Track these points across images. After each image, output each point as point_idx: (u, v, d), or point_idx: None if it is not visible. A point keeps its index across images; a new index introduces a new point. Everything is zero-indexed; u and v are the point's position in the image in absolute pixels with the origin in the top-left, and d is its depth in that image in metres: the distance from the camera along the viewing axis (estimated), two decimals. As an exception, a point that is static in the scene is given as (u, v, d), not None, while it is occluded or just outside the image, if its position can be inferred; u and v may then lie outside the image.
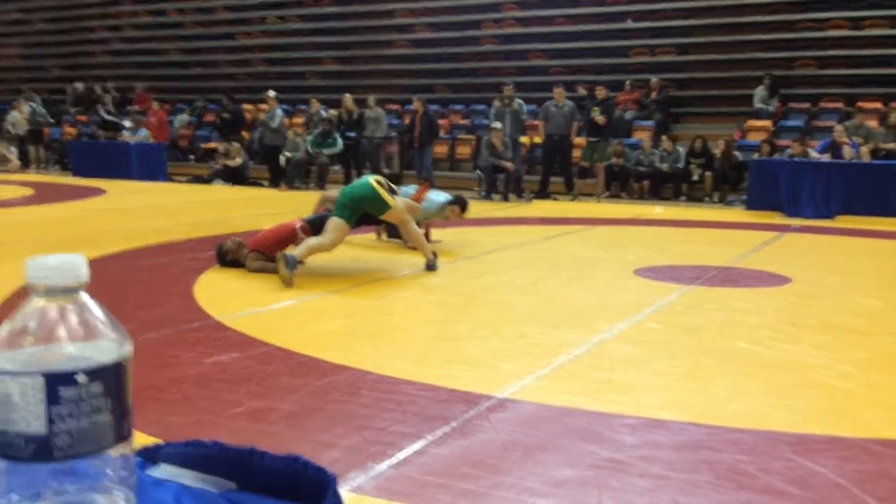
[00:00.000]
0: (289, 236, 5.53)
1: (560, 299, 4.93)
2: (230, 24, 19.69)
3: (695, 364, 3.60)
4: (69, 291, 0.52)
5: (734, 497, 2.28)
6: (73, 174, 15.55)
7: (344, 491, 2.23)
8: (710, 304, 4.90)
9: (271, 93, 14.84)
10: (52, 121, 18.59)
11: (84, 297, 0.53)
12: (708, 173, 12.48)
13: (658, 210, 11.05)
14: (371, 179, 5.60)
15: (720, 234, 8.54)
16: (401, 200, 5.71)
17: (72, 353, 0.50)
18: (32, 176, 15.51)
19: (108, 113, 16.33)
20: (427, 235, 6.89)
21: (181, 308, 4.45)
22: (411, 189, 6.86)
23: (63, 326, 0.51)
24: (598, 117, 11.98)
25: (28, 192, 12.15)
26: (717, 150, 12.45)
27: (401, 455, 2.49)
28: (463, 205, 6.77)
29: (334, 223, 5.37)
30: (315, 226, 5.58)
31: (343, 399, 3.02)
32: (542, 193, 12.25)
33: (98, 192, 12.29)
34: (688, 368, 3.53)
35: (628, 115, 14.33)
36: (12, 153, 17.01)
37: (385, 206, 5.48)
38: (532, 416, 2.87)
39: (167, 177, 15.18)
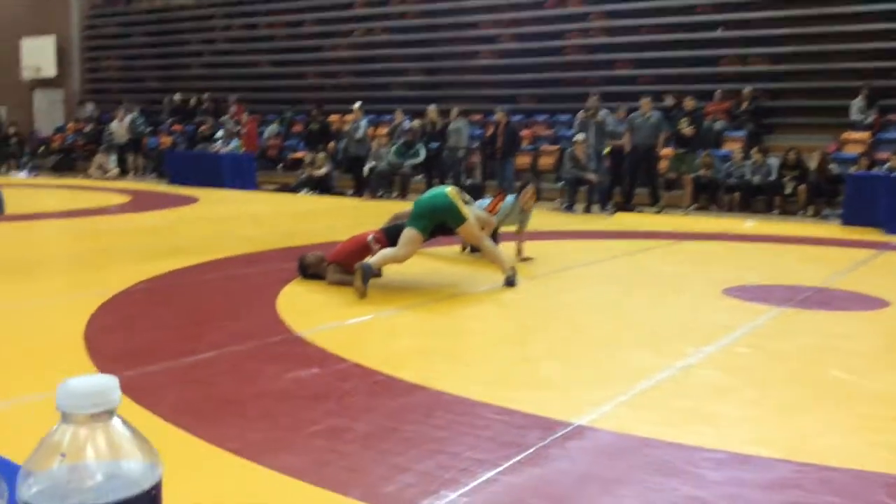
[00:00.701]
0: (363, 248, 5.56)
1: (642, 320, 4.81)
2: (318, 37, 20.08)
3: (785, 394, 3.45)
4: (100, 417, 0.50)
5: (825, 543, 2.16)
6: (168, 182, 16.11)
7: (416, 519, 2.21)
8: (802, 328, 4.70)
9: (357, 104, 15.07)
10: (150, 130, 19.33)
11: (116, 422, 0.51)
12: (801, 186, 12.04)
13: (748, 224, 10.71)
14: (447, 189, 5.59)
15: (813, 251, 8.22)
16: (474, 214, 5.67)
17: (100, 484, 0.49)
18: (130, 184, 16.13)
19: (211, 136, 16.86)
20: (521, 251, 6.85)
21: (264, 320, 4.52)
22: (486, 201, 6.84)
23: (92, 453, 0.49)
24: (686, 128, 11.71)
25: (125, 199, 12.64)
26: (812, 162, 12.01)
27: (473, 483, 2.45)
28: (534, 184, 6.96)
29: (408, 235, 5.39)
30: (391, 235, 5.60)
31: (418, 420, 3.00)
32: (626, 206, 12.05)
33: (191, 200, 12.69)
34: (777, 399, 3.38)
35: (718, 125, 13.96)
36: (111, 162, 17.75)
37: (461, 217, 5.46)
38: (610, 446, 2.79)
39: (256, 185, 15.57)
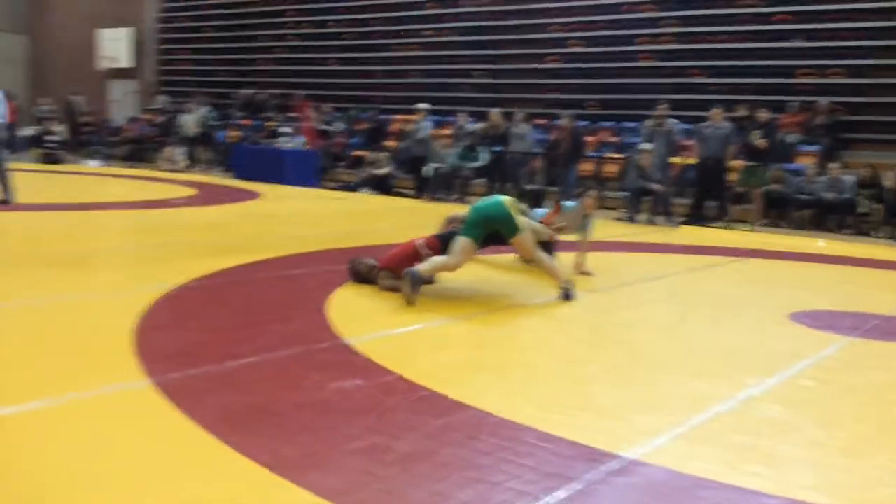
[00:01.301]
0: (414, 254, 5.48)
1: (703, 344, 4.62)
2: (387, 35, 20.11)
3: (851, 434, 3.24)
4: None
5: None
6: (233, 176, 16.32)
7: (450, 555, 2.10)
8: (872, 360, 4.45)
9: (422, 105, 15.02)
10: (219, 124, 19.63)
11: None
12: (878, 206, 11.55)
13: (820, 244, 10.31)
14: (504, 199, 5.48)
15: (888, 276, 7.85)
16: (529, 225, 5.54)
17: None
18: (197, 176, 16.39)
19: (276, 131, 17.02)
20: (581, 263, 6.67)
21: (312, 325, 4.47)
22: (544, 211, 6.69)
23: None
24: (759, 141, 11.34)
25: (190, 192, 12.82)
26: (889, 181, 11.51)
27: (514, 518, 2.34)
28: (596, 190, 6.87)
29: (461, 242, 5.29)
30: (444, 241, 5.50)
31: (461, 442, 2.89)
32: (693, 219, 11.73)
33: (254, 195, 12.81)
34: (843, 439, 3.17)
35: (791, 138, 13.49)
36: (180, 154, 18.07)
37: (515, 227, 5.34)
38: (661, 486, 2.64)
39: (318, 182, 15.66)
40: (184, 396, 3.14)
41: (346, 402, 3.25)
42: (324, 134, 16.82)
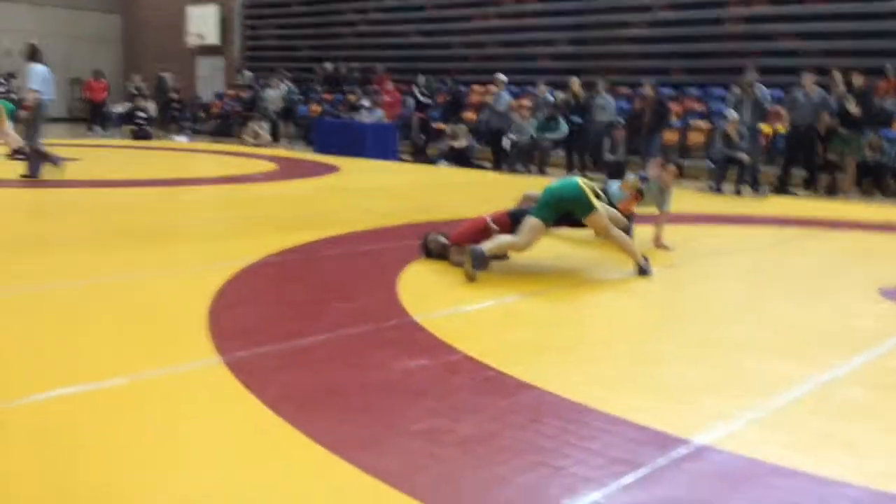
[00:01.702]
0: (484, 229, 5.41)
1: (785, 321, 4.43)
2: (468, 6, 19.90)
3: (943, 422, 3.05)
4: None
5: None
6: (314, 150, 16.54)
7: (505, 543, 2.06)
8: (972, 341, 4.18)
9: (500, 76, 14.85)
10: (302, 98, 19.88)
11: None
12: (984, 173, 10.88)
13: (918, 214, 9.77)
14: (579, 180, 5.37)
15: None
16: (604, 207, 5.42)
17: None
18: (280, 151, 16.67)
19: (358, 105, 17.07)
20: (659, 236, 6.51)
21: (382, 302, 4.48)
22: (618, 183, 6.51)
23: None
24: (853, 108, 10.78)
25: (272, 167, 13.05)
26: None
27: (574, 505, 2.28)
28: (677, 163, 6.66)
29: (531, 223, 5.19)
30: (515, 219, 5.42)
31: (524, 425, 2.84)
32: (782, 188, 11.28)
33: (333, 169, 12.95)
34: (933, 427, 2.99)
35: (888, 104, 12.80)
36: (264, 129, 18.39)
37: (590, 207, 5.23)
38: (734, 473, 2.54)
39: (398, 156, 15.71)
40: (251, 375, 3.19)
41: (410, 382, 3.23)
42: (422, 107, 16.67)
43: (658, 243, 6.48)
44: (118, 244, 5.98)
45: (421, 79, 17.02)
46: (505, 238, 5.23)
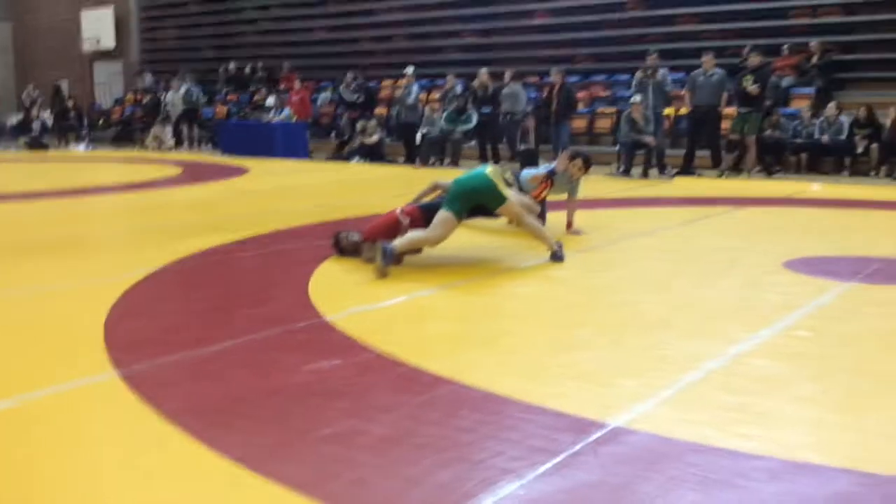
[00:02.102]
0: (395, 223, 5.32)
1: (695, 299, 4.48)
2: (372, 0, 19.72)
3: (850, 388, 3.11)
4: None
5: (892, 580, 1.86)
6: (221, 153, 16.12)
7: (421, 546, 1.98)
8: (872, 307, 4.31)
9: (409, 69, 14.77)
10: (205, 100, 19.34)
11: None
12: (874, 145, 11.35)
13: (815, 187, 10.14)
14: (487, 170, 5.33)
15: (886, 216, 7.69)
16: (516, 195, 5.40)
17: None
18: (184, 155, 16.19)
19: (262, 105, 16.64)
20: (570, 223, 6.54)
21: (292, 304, 4.34)
22: (532, 172, 6.51)
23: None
24: (751, 87, 11.10)
25: (176, 171, 12.65)
26: (887, 118, 11.29)
27: (492, 499, 2.22)
28: (585, 158, 6.49)
29: (442, 217, 5.12)
30: (428, 212, 5.34)
31: (440, 421, 2.77)
32: (687, 170, 11.54)
33: (241, 171, 12.64)
34: (840, 394, 3.05)
35: (785, 81, 13.24)
36: (167, 134, 17.85)
37: (501, 198, 5.20)
38: (649, 453, 2.52)
39: (308, 155, 15.46)
40: (150, 388, 3.02)
41: (322, 384, 3.12)
42: (350, 106, 16.23)
43: (570, 229, 6.51)
44: (12, 258, 5.67)
45: (349, 76, 16.64)
46: (417, 233, 5.15)
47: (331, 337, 3.74)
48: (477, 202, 5.25)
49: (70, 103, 20.22)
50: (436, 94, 15.47)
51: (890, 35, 13.03)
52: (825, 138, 11.69)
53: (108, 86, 24.68)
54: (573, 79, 14.72)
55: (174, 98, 18.48)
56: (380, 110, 16.74)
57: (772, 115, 11.87)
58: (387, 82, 17.61)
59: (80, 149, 18.48)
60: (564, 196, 6.65)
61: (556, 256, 5.40)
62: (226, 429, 2.69)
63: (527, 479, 2.34)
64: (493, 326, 4.04)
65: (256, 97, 18.07)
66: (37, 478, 2.37)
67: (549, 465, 2.44)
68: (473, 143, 14.03)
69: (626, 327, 3.94)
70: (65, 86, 21.80)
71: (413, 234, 5.12)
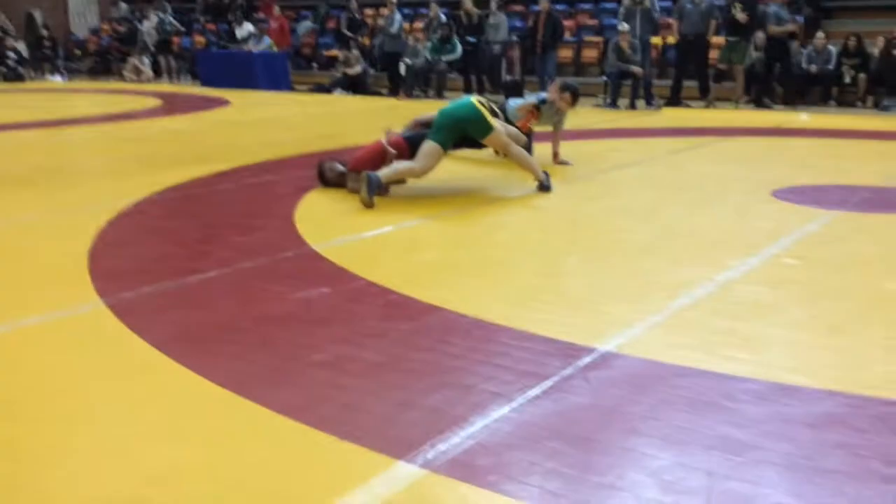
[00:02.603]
0: (381, 153, 5.25)
1: (683, 227, 4.48)
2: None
3: (837, 312, 3.13)
4: None
5: (878, 494, 1.89)
6: (201, 84, 15.81)
7: (413, 467, 1.99)
8: (859, 234, 4.33)
9: (391, -4, 14.42)
10: (182, 30, 18.87)
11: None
12: (862, 75, 11.28)
13: (803, 118, 10.10)
14: (473, 99, 5.25)
15: (872, 146, 7.68)
16: (502, 125, 5.33)
17: None
18: (163, 86, 15.88)
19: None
20: (556, 153, 6.49)
21: (279, 233, 4.30)
22: (519, 101, 6.42)
23: None
24: (739, 14, 10.94)
25: (156, 102, 12.41)
26: (875, 48, 11.20)
27: (483, 422, 2.23)
28: (573, 91, 6.36)
29: (428, 147, 5.05)
30: (414, 143, 5.27)
31: (431, 347, 2.77)
32: (674, 100, 11.44)
33: (222, 102, 12.41)
34: (828, 317, 3.07)
35: (773, 9, 13.04)
36: (145, 64, 17.44)
37: (488, 127, 5.13)
38: (638, 377, 2.53)
39: (290, 86, 15.18)
40: (137, 316, 3.00)
41: (311, 312, 3.11)
42: (345, 39, 15.64)
43: (557, 159, 6.46)
44: (-11, 191, 5.57)
45: (353, 3, 15.83)
46: (402, 164, 5.09)
47: (318, 266, 3.72)
48: (463, 132, 5.18)
49: (45, 33, 19.65)
50: (419, 24, 15.16)
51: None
52: (813, 68, 11.60)
53: (83, 15, 24.00)
54: (559, 7, 14.45)
55: (149, 28, 18.01)
56: (362, 40, 16.40)
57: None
58: (369, 11, 17.23)
59: (56, 80, 18.07)
60: (550, 128, 6.58)
61: (544, 186, 5.36)
62: (214, 356, 2.68)
63: (517, 403, 2.35)
64: (482, 255, 4.02)
65: (233, 26, 17.60)
66: (24, 407, 2.36)
67: (539, 389, 2.45)
68: (458, 74, 13.80)
69: (615, 255, 3.94)
70: (38, 15, 21.14)
71: (399, 165, 5.06)
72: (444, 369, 2.59)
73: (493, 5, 13.37)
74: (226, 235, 4.28)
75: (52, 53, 19.50)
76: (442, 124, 5.13)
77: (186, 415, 2.28)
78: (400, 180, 5.25)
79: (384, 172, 4.93)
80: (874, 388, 2.45)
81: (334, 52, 15.96)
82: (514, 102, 6.43)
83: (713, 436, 2.16)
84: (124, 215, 4.70)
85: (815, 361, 2.67)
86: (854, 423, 2.25)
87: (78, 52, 21.42)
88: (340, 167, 5.44)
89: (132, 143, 8.19)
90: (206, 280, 3.47)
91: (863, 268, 3.70)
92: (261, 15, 17.77)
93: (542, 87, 12.16)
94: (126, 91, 14.70)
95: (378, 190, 4.86)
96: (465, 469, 1.99)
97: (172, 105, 12.12)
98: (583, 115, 9.51)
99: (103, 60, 19.95)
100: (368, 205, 4.81)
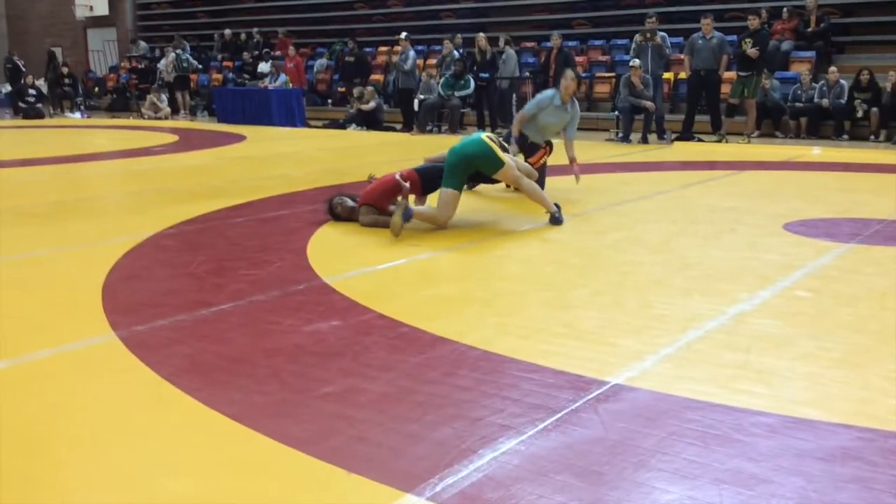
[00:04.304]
0: (394, 187, 5.30)
1: (695, 260, 4.47)
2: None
3: (849, 345, 3.11)
4: None
5: (891, 530, 1.87)
6: (217, 120, 16.01)
7: (421, 499, 1.99)
8: (871, 267, 4.30)
9: (404, 34, 14.61)
10: (199, 67, 19.15)
11: None
12: (874, 109, 11.28)
13: (815, 151, 10.10)
14: (483, 136, 5.29)
15: (886, 179, 7.66)
16: (512, 159, 5.38)
17: None
18: (180, 123, 16.08)
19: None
20: (573, 160, 6.46)
21: (292, 267, 4.33)
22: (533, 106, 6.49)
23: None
24: (750, 50, 11.00)
25: (173, 139, 12.57)
26: (887, 82, 11.21)
27: (492, 455, 2.22)
28: (572, 70, 6.54)
29: (445, 196, 5.14)
30: (426, 177, 5.32)
31: (440, 380, 2.77)
32: (686, 134, 11.47)
33: (238, 138, 12.56)
34: (841, 351, 3.04)
35: (785, 45, 13.13)
36: (163, 101, 17.70)
37: (498, 163, 5.17)
38: (649, 410, 2.52)
39: (305, 122, 15.35)
40: (149, 349, 3.02)
41: (321, 344, 3.12)
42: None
43: (575, 165, 6.43)
44: (11, 223, 5.64)
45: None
46: (427, 211, 5.22)
47: (330, 298, 3.73)
48: (474, 169, 5.23)
49: (64, 70, 20.01)
50: (432, 60, 15.32)
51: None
52: (825, 102, 11.62)
53: (102, 53, 24.44)
54: (571, 43, 14.58)
55: (166, 65, 18.30)
56: (376, 76, 16.61)
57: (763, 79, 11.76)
58: (383, 48, 17.45)
59: (75, 116, 18.34)
60: (560, 136, 6.60)
61: (555, 219, 5.38)
62: (225, 388, 2.69)
63: (527, 436, 2.34)
64: (492, 288, 4.03)
65: (249, 65, 17.85)
66: (37, 437, 2.37)
67: (548, 421, 2.44)
68: (471, 109, 13.90)
69: (626, 288, 3.93)
70: (58, 53, 21.55)
71: (425, 211, 5.19)
72: (453, 402, 2.59)
73: (501, 42, 13.51)
74: (239, 269, 4.30)
75: (72, 91, 19.83)
76: (453, 164, 5.17)
77: (194, 447, 2.29)
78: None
79: (418, 209, 5.06)
80: (886, 421, 2.43)
81: (343, 88, 16.12)
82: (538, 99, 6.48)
83: (724, 469, 2.14)
84: (139, 249, 4.74)
85: (827, 394, 2.65)
86: (866, 456, 2.22)
87: (96, 89, 21.77)
88: (350, 202, 5.48)
89: (148, 178, 8.29)
90: (218, 313, 3.49)
91: (875, 301, 3.68)
92: (277, 53, 18.02)
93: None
94: (144, 127, 14.90)
95: (409, 219, 4.93)
96: (473, 502, 1.98)
97: (189, 141, 12.27)
98: (595, 149, 9.57)
99: (122, 97, 20.26)
100: (398, 231, 4.88)
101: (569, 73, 6.40)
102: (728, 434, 2.35)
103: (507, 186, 6.91)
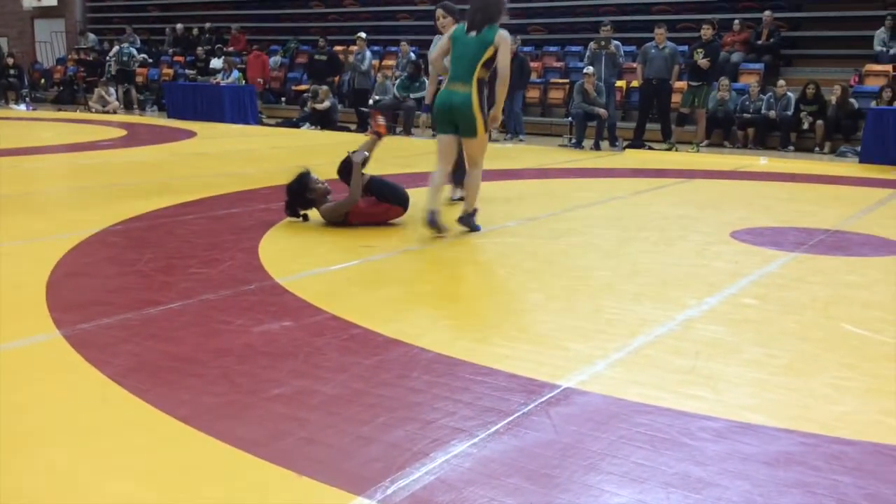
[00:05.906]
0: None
1: (645, 267, 4.53)
2: (323, -38, 19.38)
3: (793, 352, 3.18)
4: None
5: (832, 533, 1.91)
6: (167, 115, 15.75)
7: (372, 502, 1.98)
8: (815, 275, 4.41)
9: (362, 34, 14.56)
10: (142, 61, 18.78)
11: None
12: (819, 122, 11.58)
13: (762, 161, 10.32)
14: (474, 97, 5.05)
15: (830, 190, 7.87)
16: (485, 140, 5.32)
17: None
18: (129, 117, 15.79)
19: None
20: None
21: (243, 266, 4.27)
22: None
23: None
24: (701, 60, 11.21)
25: (121, 133, 12.33)
26: (833, 96, 11.52)
27: (443, 457, 2.22)
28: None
29: (443, 142, 5.22)
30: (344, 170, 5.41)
31: (392, 382, 2.76)
32: (637, 142, 11.64)
33: (189, 134, 12.37)
34: (785, 357, 3.11)
35: (735, 57, 13.41)
36: (112, 94, 17.36)
37: (474, 129, 5.09)
38: (599, 413, 2.54)
39: (258, 120, 15.19)
40: (94, 348, 2.95)
41: (272, 345, 3.08)
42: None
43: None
44: (-54, 219, 5.47)
45: (320, 41, 15.87)
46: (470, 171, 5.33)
47: (282, 299, 3.69)
48: (452, 120, 5.12)
49: (10, 61, 19.51)
50: (390, 62, 15.30)
51: (834, 13, 13.27)
52: (772, 114, 11.88)
53: (49, 45, 23.88)
54: (526, 48, 14.69)
55: (110, 58, 17.96)
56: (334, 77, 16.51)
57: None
58: (338, 48, 17.36)
59: (20, 108, 17.88)
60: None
61: (467, 219, 5.33)
62: (173, 388, 2.64)
63: (478, 438, 2.35)
64: (446, 290, 4.03)
65: (202, 60, 17.61)
66: (-25, 437, 2.30)
67: (500, 424, 2.44)
68: (424, 112, 13.89)
69: (577, 293, 3.97)
70: (3, 44, 21.00)
71: (469, 182, 5.32)
72: (406, 404, 2.58)
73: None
74: (188, 267, 4.24)
75: (17, 82, 19.34)
76: (439, 116, 5.19)
77: (141, 449, 2.24)
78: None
79: (470, 197, 5.29)
80: (829, 427, 2.49)
81: (304, 86, 16.01)
82: None
83: (672, 473, 2.17)
84: (85, 245, 4.64)
85: (773, 400, 2.70)
86: (809, 461, 2.27)
87: (43, 81, 21.27)
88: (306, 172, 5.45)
89: (95, 173, 8.12)
90: (166, 312, 3.43)
91: (819, 309, 3.77)
92: (230, 48, 17.81)
93: (510, 128, 12.31)
94: (91, 121, 14.58)
95: (437, 222, 5.11)
96: (424, 505, 1.98)
97: (138, 136, 12.05)
98: (548, 154, 9.64)
99: (69, 90, 19.82)
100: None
101: (438, 12, 6.20)
102: (676, 438, 2.39)
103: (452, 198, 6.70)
